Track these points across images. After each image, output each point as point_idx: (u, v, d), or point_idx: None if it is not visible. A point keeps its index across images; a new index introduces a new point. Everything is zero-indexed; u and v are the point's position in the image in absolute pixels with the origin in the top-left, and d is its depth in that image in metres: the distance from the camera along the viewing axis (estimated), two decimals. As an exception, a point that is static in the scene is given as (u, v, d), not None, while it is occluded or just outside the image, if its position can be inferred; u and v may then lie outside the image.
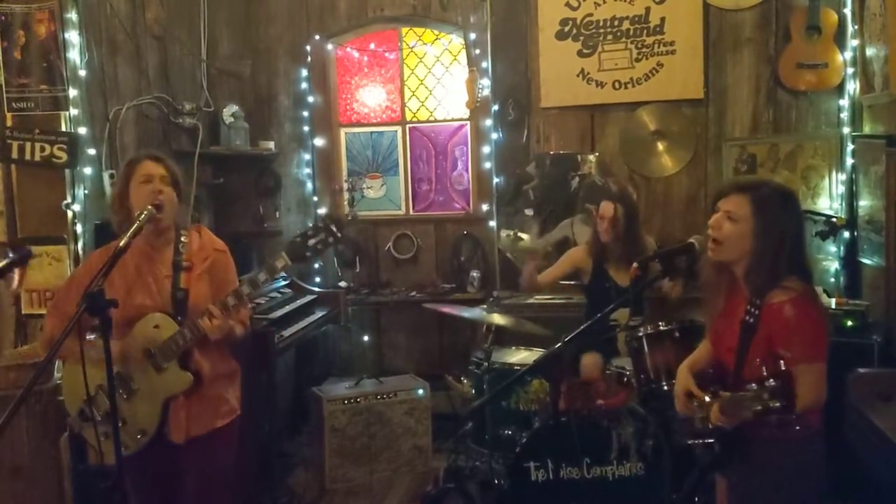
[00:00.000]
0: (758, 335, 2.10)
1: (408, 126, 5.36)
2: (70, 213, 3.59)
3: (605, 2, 4.63)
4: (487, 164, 4.91)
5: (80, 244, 3.60)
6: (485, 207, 5.01)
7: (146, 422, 2.44)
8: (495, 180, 4.87)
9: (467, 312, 3.75)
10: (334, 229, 2.38)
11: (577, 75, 4.68)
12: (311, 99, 5.16)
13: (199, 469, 2.50)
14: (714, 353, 2.34)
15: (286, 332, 4.12)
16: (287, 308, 4.28)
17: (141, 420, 2.45)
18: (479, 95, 4.80)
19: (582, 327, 2.40)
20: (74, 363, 2.37)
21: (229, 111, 4.89)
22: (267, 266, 2.43)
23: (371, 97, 5.41)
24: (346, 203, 5.21)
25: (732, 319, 2.21)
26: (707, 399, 2.10)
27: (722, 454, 2.13)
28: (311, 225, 2.49)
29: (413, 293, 4.98)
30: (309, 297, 4.60)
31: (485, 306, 3.81)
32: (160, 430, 2.46)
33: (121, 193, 2.51)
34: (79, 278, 2.55)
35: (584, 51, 4.67)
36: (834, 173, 4.36)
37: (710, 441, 2.15)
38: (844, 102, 4.32)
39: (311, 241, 2.38)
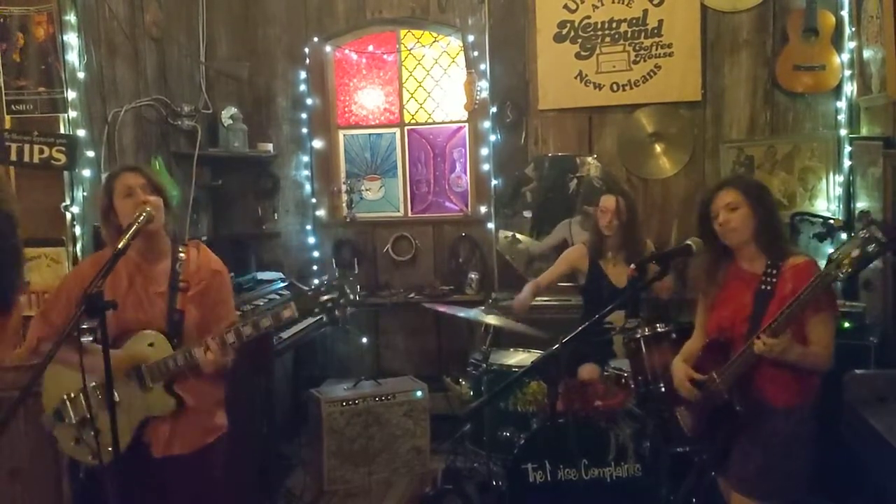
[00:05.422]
0: (774, 298, 2.40)
1: (406, 128, 5.36)
2: (69, 215, 3.59)
3: (602, 4, 4.63)
4: (486, 166, 4.91)
5: (78, 246, 3.60)
6: (483, 209, 5.01)
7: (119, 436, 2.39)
8: (493, 182, 4.88)
9: (463, 312, 3.75)
10: (348, 292, 2.34)
11: (575, 77, 4.69)
12: (309, 101, 5.17)
13: (190, 487, 2.48)
14: (722, 334, 2.53)
15: (284, 334, 4.12)
16: (285, 310, 4.27)
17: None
18: (478, 97, 4.80)
19: (580, 329, 2.41)
20: (57, 363, 2.29)
21: (228, 113, 4.90)
22: (272, 313, 2.39)
23: (369, 99, 5.42)
24: (344, 205, 5.23)
25: (741, 295, 2.48)
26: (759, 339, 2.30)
27: (744, 411, 2.38)
28: (325, 280, 2.43)
29: (411, 295, 4.98)
30: (307, 299, 4.59)
31: (483, 308, 3.81)
32: (138, 442, 2.43)
33: (105, 210, 2.47)
34: (68, 288, 2.51)
35: (582, 53, 4.68)
36: (831, 175, 4.37)
37: (730, 404, 2.40)
38: (842, 104, 4.33)
39: (323, 298, 2.34)
